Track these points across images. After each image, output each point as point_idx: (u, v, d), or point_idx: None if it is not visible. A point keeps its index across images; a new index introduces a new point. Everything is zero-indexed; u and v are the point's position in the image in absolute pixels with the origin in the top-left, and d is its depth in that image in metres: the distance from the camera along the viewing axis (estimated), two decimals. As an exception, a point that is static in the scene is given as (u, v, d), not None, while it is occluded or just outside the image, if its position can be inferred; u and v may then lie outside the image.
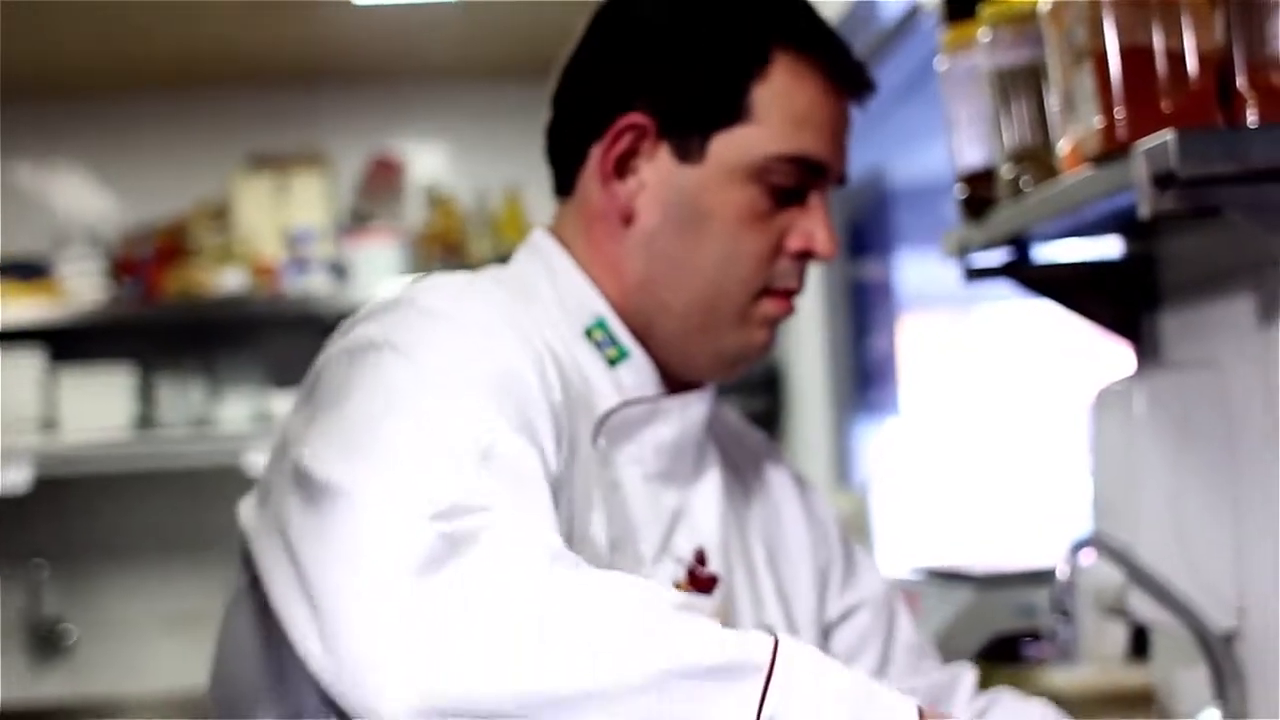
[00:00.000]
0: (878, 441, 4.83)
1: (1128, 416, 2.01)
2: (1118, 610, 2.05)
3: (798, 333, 5.27)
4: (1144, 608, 1.99)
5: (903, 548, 3.99)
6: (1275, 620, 1.92)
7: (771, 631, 1.11)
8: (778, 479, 1.64)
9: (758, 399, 5.31)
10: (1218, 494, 1.99)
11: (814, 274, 5.33)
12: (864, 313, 5.13)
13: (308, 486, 1.18)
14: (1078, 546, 1.88)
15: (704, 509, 1.47)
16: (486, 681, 1.02)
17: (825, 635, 1.61)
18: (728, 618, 1.43)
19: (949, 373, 4.42)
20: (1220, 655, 1.95)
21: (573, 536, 1.31)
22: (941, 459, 4.26)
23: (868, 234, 5.10)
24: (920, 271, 4.54)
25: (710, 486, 1.49)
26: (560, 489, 1.29)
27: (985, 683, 2.62)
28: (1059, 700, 2.44)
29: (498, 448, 1.20)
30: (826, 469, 4.97)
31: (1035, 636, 2.45)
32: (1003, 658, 2.53)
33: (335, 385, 1.27)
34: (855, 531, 4.48)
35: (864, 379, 5.08)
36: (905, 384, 4.74)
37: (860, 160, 5.17)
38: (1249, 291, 1.93)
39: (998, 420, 3.98)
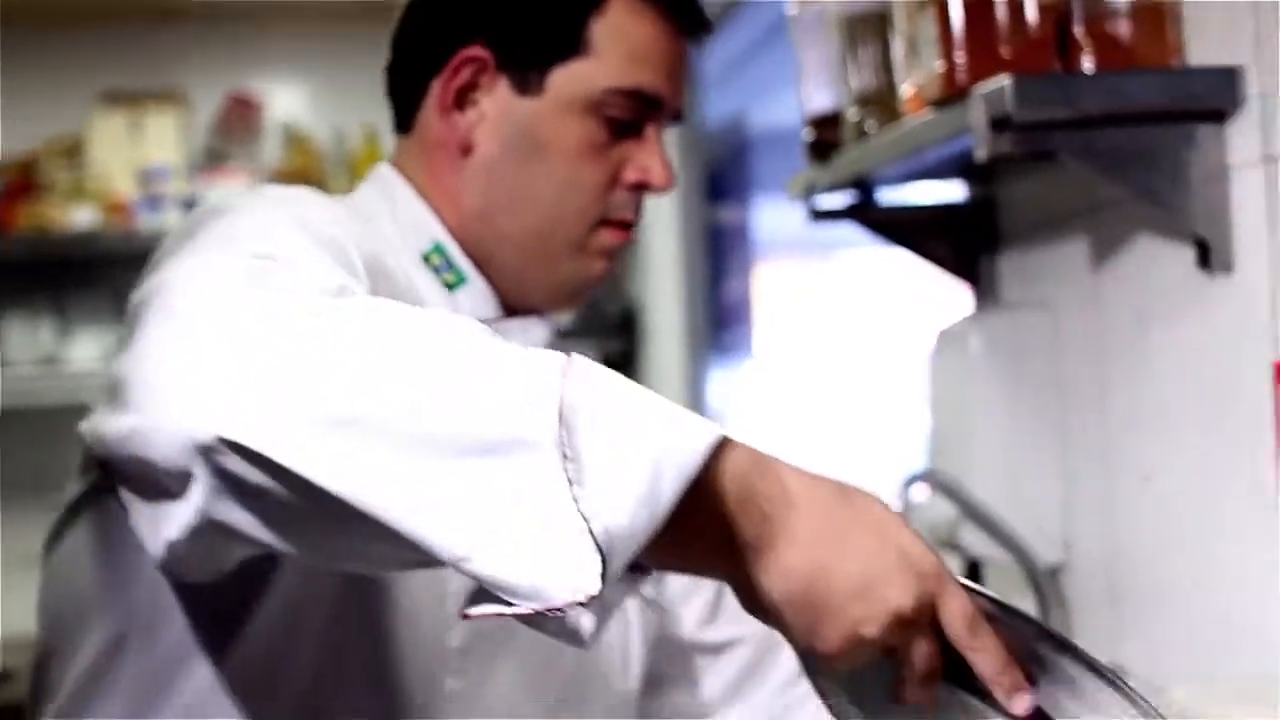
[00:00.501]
0: (731, 383, 4.89)
1: (964, 356, 2.07)
2: (951, 544, 2.11)
3: (654, 275, 5.31)
4: (975, 542, 2.06)
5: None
6: (1100, 554, 2.00)
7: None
8: None
9: (614, 340, 5.35)
10: (1048, 432, 2.06)
11: (671, 217, 5.34)
12: (720, 257, 5.18)
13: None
14: (910, 481, 1.93)
15: None
16: (279, 404, 0.97)
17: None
18: None
19: (802, 317, 4.48)
20: (1046, 588, 2.02)
21: None
22: (792, 400, 4.33)
23: (726, 180, 5.14)
24: (777, 218, 4.59)
25: None
26: None
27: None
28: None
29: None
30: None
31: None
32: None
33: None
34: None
35: (719, 322, 5.13)
36: (759, 327, 4.80)
37: (720, 107, 5.20)
38: (1082, 235, 1.99)
39: (848, 362, 4.06)
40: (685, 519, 0.95)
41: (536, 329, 1.50)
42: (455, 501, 0.92)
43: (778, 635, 1.64)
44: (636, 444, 0.93)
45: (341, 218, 1.36)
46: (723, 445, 0.97)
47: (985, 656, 1.01)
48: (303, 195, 1.36)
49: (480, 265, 1.48)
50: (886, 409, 3.46)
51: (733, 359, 4.97)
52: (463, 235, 1.48)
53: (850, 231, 2.31)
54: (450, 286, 1.47)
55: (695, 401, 5.08)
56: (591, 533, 0.91)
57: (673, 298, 5.19)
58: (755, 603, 1.02)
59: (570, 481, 0.91)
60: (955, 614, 1.00)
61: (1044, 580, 2.03)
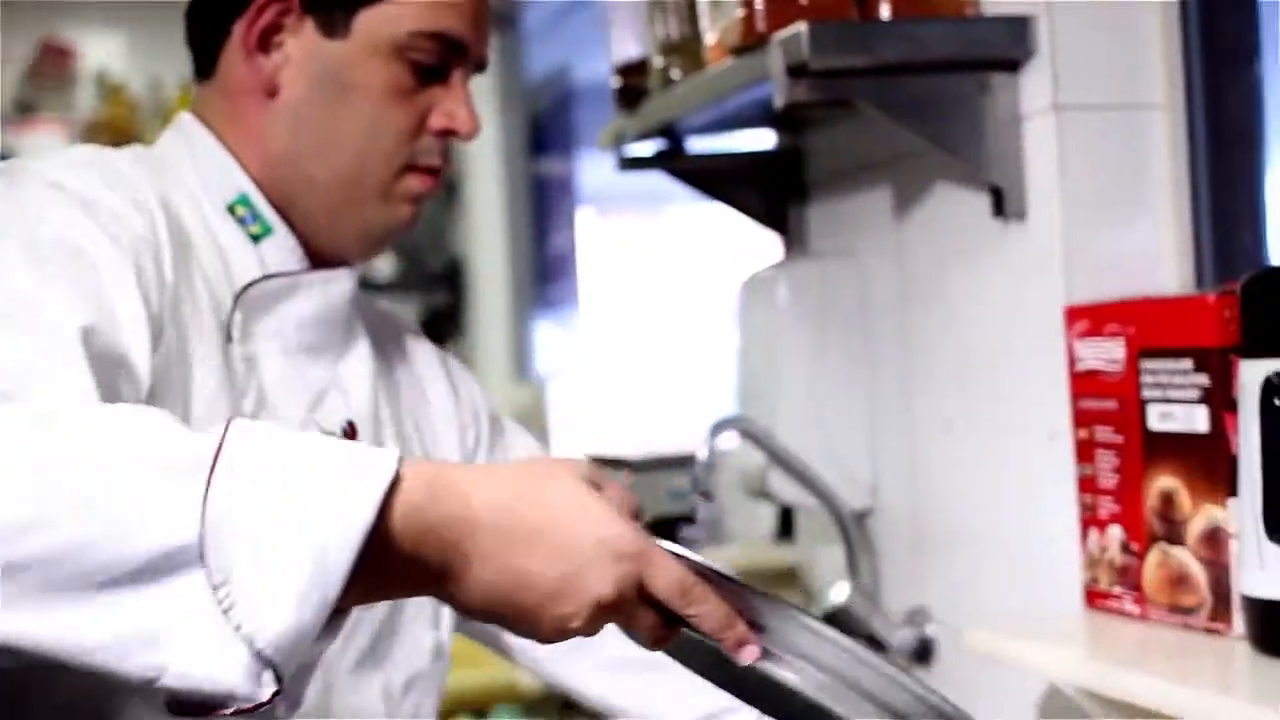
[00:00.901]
0: (556, 336, 4.89)
1: (771, 305, 2.08)
2: (761, 492, 2.13)
3: (478, 229, 5.29)
4: (784, 489, 2.07)
5: (576, 437, 4.06)
6: (905, 499, 2.02)
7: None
8: (424, 357, 1.66)
9: (438, 294, 5.32)
10: (854, 379, 2.08)
11: (494, 170, 5.32)
12: (545, 210, 5.17)
13: None
14: (717, 428, 1.94)
15: (354, 382, 1.49)
16: None
17: None
18: None
19: (626, 269, 4.49)
20: (853, 532, 2.04)
21: (190, 416, 1.31)
22: (615, 351, 4.34)
23: (549, 132, 5.13)
24: (603, 172, 4.59)
25: (360, 360, 1.50)
26: (169, 368, 1.29)
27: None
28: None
29: (64, 329, 1.17)
30: (506, 362, 5.02)
31: (689, 520, 2.52)
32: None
33: None
34: (532, 422, 4.53)
35: (544, 275, 5.12)
36: (584, 280, 4.80)
37: (543, 59, 5.16)
38: (885, 184, 2.01)
39: (670, 314, 4.07)
40: (368, 575, 0.98)
41: (340, 281, 1.48)
42: (124, 634, 0.94)
43: None
44: (292, 539, 0.95)
45: (136, 181, 1.33)
46: (394, 488, 0.98)
47: (704, 618, 1.05)
48: (84, 183, 1.32)
49: (286, 213, 1.46)
50: (705, 359, 3.48)
51: (558, 312, 4.97)
52: (268, 182, 1.45)
53: (678, 187, 2.31)
54: (255, 238, 1.45)
55: (521, 354, 5.07)
56: (258, 651, 0.94)
57: (497, 251, 5.17)
58: (468, 614, 1.05)
59: (224, 607, 0.94)
60: (663, 586, 1.04)
61: (851, 526, 2.05)
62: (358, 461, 0.99)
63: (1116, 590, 1.57)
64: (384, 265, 5.26)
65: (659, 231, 4.33)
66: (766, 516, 2.45)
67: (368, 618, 1.48)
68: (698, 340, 3.74)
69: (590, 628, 1.05)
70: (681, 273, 4.07)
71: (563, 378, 4.49)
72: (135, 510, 0.94)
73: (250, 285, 1.42)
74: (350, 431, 1.47)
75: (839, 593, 1.95)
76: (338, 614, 0.98)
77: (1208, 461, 1.44)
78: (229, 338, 1.39)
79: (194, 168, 1.46)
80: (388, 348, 1.62)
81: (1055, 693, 1.70)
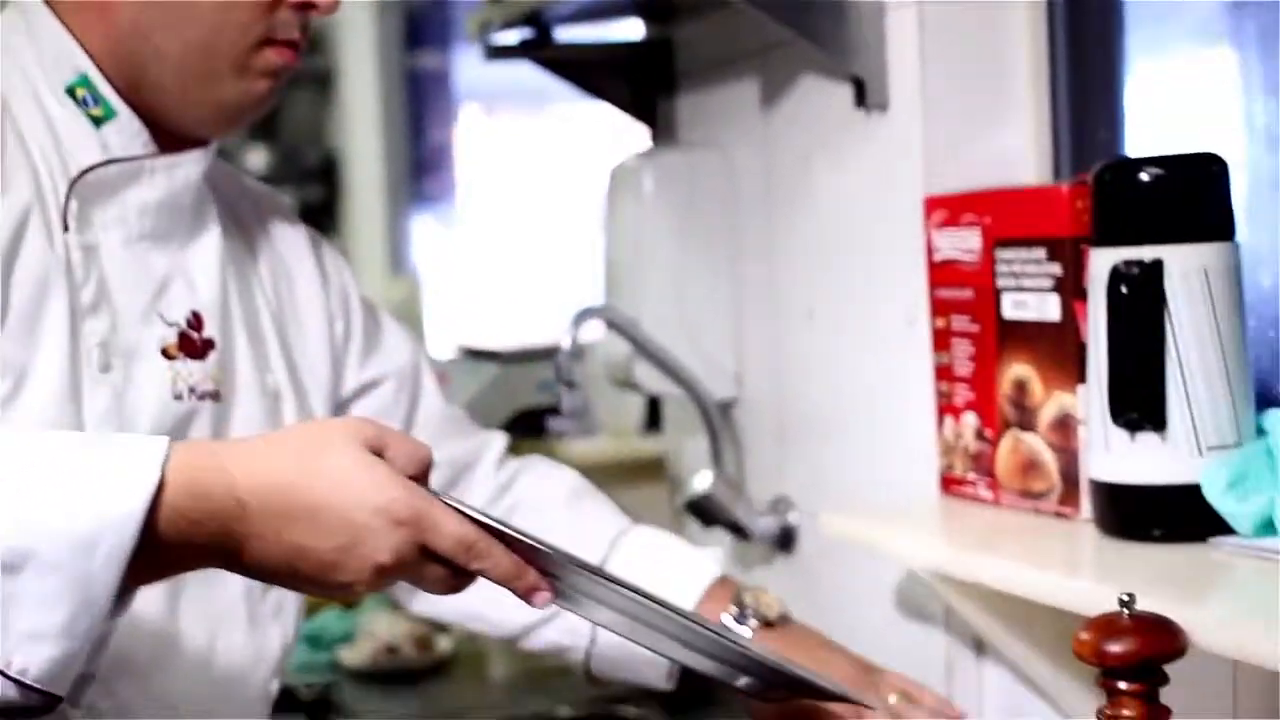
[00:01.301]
0: (431, 230, 4.86)
1: (638, 194, 2.08)
2: (627, 382, 2.14)
3: (354, 122, 5.22)
4: (650, 379, 2.08)
5: (451, 331, 4.05)
6: (769, 389, 2.04)
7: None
8: (291, 240, 1.60)
9: (313, 188, 5.26)
10: (719, 269, 2.09)
11: (369, 63, 5.20)
12: (422, 104, 5.11)
13: None
14: (580, 317, 1.94)
15: (200, 271, 1.44)
16: None
17: (342, 408, 1.61)
18: (224, 384, 1.42)
19: (505, 165, 4.47)
20: (717, 422, 2.06)
21: (7, 308, 1.27)
22: (490, 245, 4.32)
23: (427, 25, 5.06)
24: (484, 68, 4.53)
25: (208, 249, 1.45)
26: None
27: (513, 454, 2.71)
28: (579, 470, 2.54)
29: None
30: (381, 257, 4.98)
31: (557, 411, 2.52)
32: (527, 432, 2.60)
33: None
34: (407, 317, 4.51)
35: (421, 170, 5.07)
36: (462, 175, 4.76)
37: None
38: (753, 76, 2.01)
39: (546, 210, 4.06)
40: (143, 572, 1.04)
41: (188, 166, 1.43)
42: None
43: (465, 453, 1.65)
44: (51, 575, 1.00)
45: None
46: (158, 493, 1.03)
47: (490, 570, 1.10)
48: None
49: (132, 95, 1.41)
50: (578, 253, 3.47)
51: (433, 206, 4.93)
52: (113, 61, 1.40)
53: (559, 85, 2.29)
54: (96, 121, 1.40)
55: (397, 249, 5.03)
56: (30, 684, 1.01)
57: (372, 145, 5.11)
58: (259, 580, 1.12)
59: None
60: (446, 546, 1.08)
61: (715, 415, 2.07)
62: (115, 473, 1.03)
63: (971, 476, 1.60)
64: (257, 159, 5.18)
65: (542, 129, 4.30)
66: (634, 408, 2.46)
67: None
68: (572, 234, 3.73)
69: (375, 589, 1.10)
70: (561, 169, 4.05)
71: (438, 272, 4.47)
72: None
73: (86, 171, 1.37)
74: (195, 322, 1.42)
75: (702, 481, 1.97)
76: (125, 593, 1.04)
77: (1059, 349, 1.47)
78: (65, 227, 1.35)
79: (33, 47, 1.40)
80: (252, 231, 1.56)
81: (912, 578, 1.73)
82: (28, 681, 1.00)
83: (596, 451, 2.42)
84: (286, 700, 2.14)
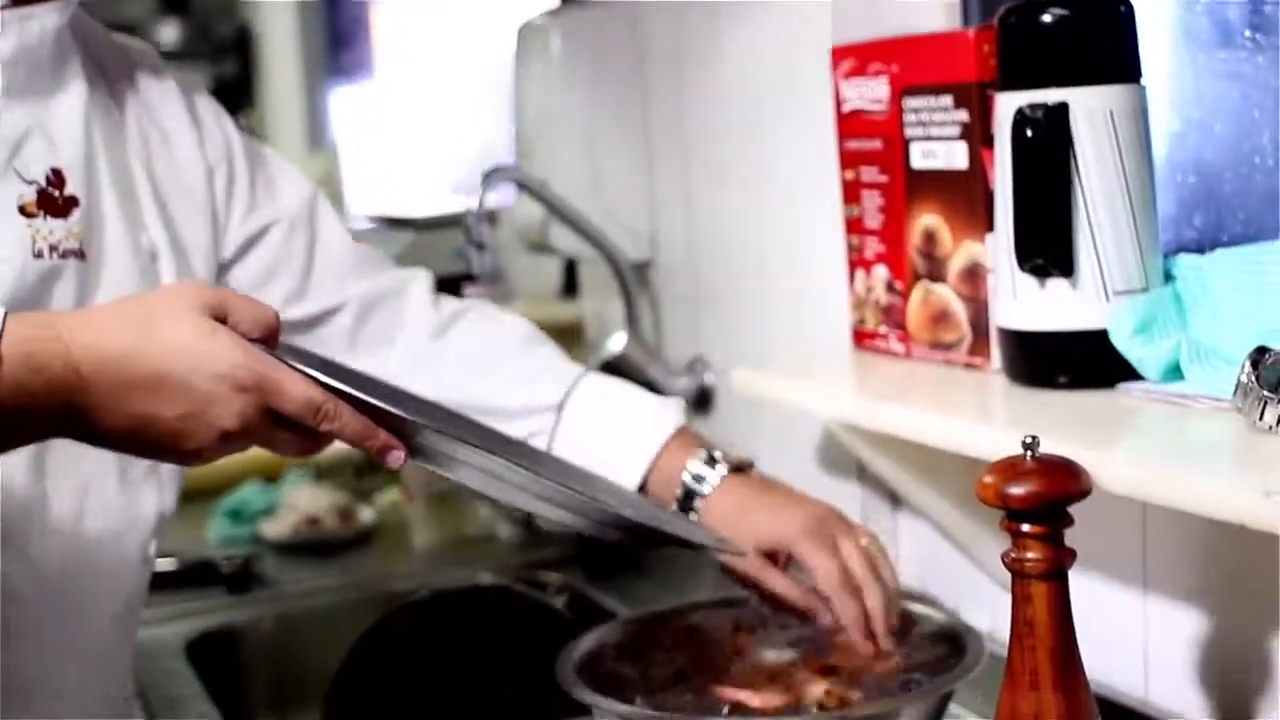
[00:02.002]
0: (348, 102, 4.79)
1: (546, 54, 2.04)
2: (541, 245, 2.12)
3: (267, -6, 5.14)
4: (564, 241, 2.06)
5: (373, 203, 4.01)
6: (683, 249, 2.02)
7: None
8: (162, 93, 1.51)
9: (227, 63, 5.17)
10: (631, 129, 2.06)
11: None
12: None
13: None
14: (488, 177, 1.91)
15: (62, 126, 1.36)
16: None
17: (229, 265, 1.55)
18: (90, 242, 1.37)
19: (417, 32, 4.39)
20: (631, 284, 2.04)
21: None
22: (407, 115, 4.27)
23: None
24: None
25: (70, 104, 1.38)
26: None
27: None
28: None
29: None
30: (300, 131, 4.92)
31: (470, 277, 2.50)
32: (444, 300, 2.58)
33: None
34: (326, 189, 4.46)
35: (336, 42, 4.99)
36: (377, 46, 4.69)
37: None
38: (661, -71, 1.98)
39: (461, 78, 4.00)
40: None
41: (44, 17, 1.35)
42: None
43: (382, 291, 1.60)
44: None
45: None
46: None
47: (340, 431, 1.10)
48: None
49: None
50: (493, 120, 3.43)
51: (350, 77, 4.86)
52: None
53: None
54: None
55: (315, 122, 4.96)
56: None
57: (287, 17, 5.02)
58: (108, 448, 1.10)
59: None
60: (292, 409, 1.09)
61: (630, 277, 2.05)
62: None
63: (882, 330, 1.59)
64: (169, 33, 5.08)
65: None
66: (552, 273, 2.44)
67: None
68: (487, 100, 3.68)
69: (223, 454, 1.10)
70: (474, 34, 3.99)
71: (358, 145, 4.41)
72: None
73: None
74: (56, 180, 1.36)
75: (616, 343, 1.96)
76: None
77: (967, 198, 1.46)
78: None
79: None
80: (121, 86, 1.49)
81: (826, 433, 1.73)
82: None
83: (517, 315, 2.40)
84: (207, 573, 2.14)
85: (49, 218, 1.32)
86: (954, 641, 1.41)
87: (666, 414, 1.54)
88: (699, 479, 1.47)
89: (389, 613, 1.82)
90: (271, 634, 2.04)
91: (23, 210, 1.31)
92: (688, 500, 1.46)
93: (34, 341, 1.04)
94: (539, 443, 1.53)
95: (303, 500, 2.32)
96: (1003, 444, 1.16)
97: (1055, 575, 1.07)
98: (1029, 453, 1.06)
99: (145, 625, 1.96)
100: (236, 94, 5.11)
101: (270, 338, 1.12)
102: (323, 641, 1.95)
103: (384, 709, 1.77)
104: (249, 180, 1.54)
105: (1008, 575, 1.07)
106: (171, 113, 1.50)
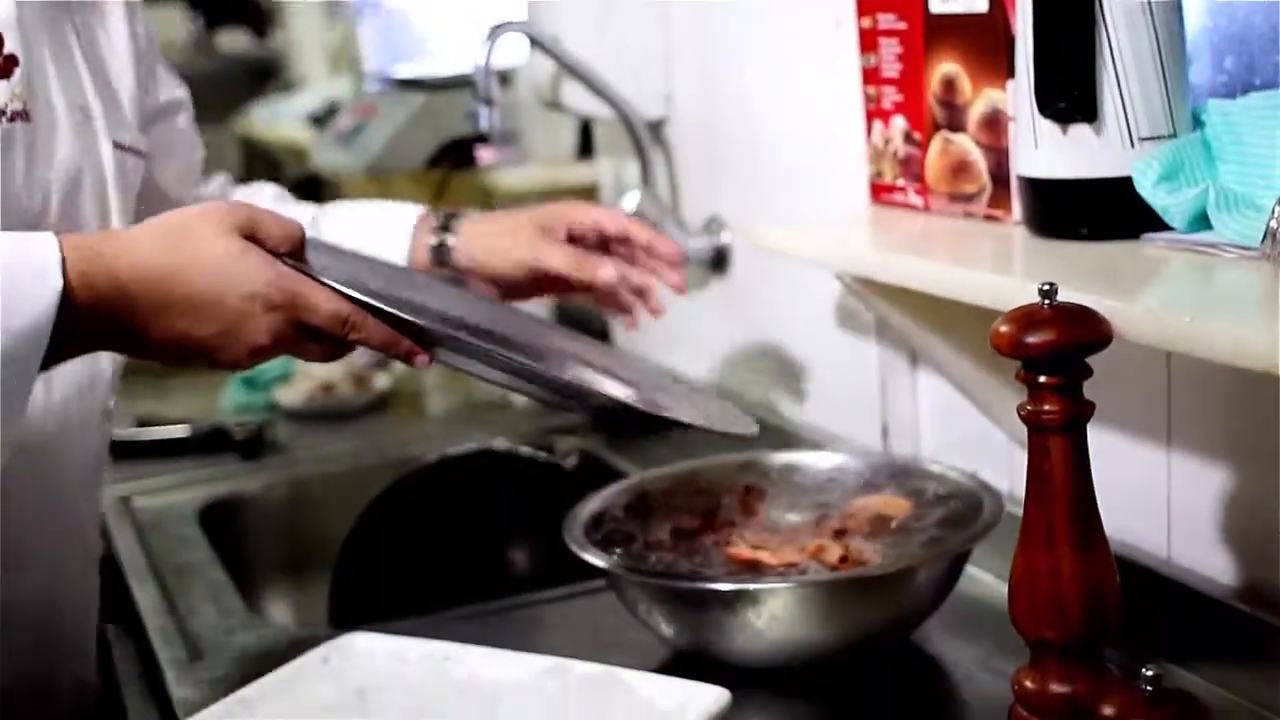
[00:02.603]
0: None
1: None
2: (555, 104, 2.06)
3: None
4: (577, 99, 2.01)
5: (387, 64, 3.94)
6: (699, 106, 1.97)
7: None
8: None
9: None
10: (644, -19, 2.00)
11: None
12: None
13: None
14: (495, 31, 1.85)
15: None
16: None
17: (149, 121, 1.53)
18: (31, 102, 1.32)
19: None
20: (645, 142, 1.99)
21: None
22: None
23: None
24: None
25: None
26: None
27: (441, 187, 2.65)
28: (511, 198, 2.48)
29: None
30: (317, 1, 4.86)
31: (484, 139, 2.46)
32: (457, 164, 2.54)
33: None
34: (345, 57, 4.40)
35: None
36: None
37: None
38: None
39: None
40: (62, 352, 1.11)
41: None
42: None
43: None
44: None
45: None
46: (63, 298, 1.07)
47: (367, 340, 1.17)
48: None
49: None
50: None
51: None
52: None
53: None
54: None
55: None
56: None
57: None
58: (160, 362, 1.18)
59: None
60: (321, 322, 1.15)
61: (645, 135, 2.00)
62: (27, 278, 1.07)
63: (900, 183, 1.54)
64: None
65: None
66: (567, 135, 2.39)
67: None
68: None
69: (256, 364, 1.18)
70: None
71: (371, 11, 4.33)
72: None
73: None
74: None
75: (630, 201, 1.91)
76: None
77: (988, 42, 1.40)
78: None
79: None
80: None
81: (844, 290, 1.69)
82: None
83: (528, 179, 2.36)
84: (220, 440, 2.12)
85: None
86: (971, 501, 1.38)
87: (406, 209, 1.64)
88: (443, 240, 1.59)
89: (399, 478, 1.80)
90: (284, 501, 2.02)
91: None
92: (441, 262, 1.59)
93: (84, 263, 1.10)
94: None
95: (318, 367, 2.29)
96: (1020, 294, 1.12)
97: (1073, 428, 1.03)
98: (1046, 300, 1.02)
99: (158, 492, 1.96)
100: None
101: (297, 251, 1.17)
102: (335, 508, 1.93)
103: (394, 573, 1.76)
104: (155, 58, 1.53)
105: (1025, 432, 1.04)
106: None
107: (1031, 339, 1.00)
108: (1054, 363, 1.01)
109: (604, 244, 1.60)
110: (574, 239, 1.59)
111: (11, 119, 1.28)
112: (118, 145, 1.40)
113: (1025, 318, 1.01)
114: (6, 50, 1.30)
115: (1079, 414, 1.03)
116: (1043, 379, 1.02)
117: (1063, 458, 1.02)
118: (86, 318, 1.10)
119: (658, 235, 1.62)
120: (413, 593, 1.73)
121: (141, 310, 1.12)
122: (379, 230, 1.62)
